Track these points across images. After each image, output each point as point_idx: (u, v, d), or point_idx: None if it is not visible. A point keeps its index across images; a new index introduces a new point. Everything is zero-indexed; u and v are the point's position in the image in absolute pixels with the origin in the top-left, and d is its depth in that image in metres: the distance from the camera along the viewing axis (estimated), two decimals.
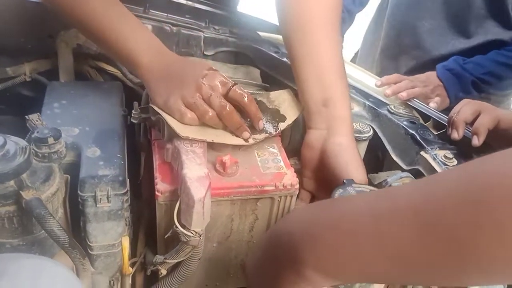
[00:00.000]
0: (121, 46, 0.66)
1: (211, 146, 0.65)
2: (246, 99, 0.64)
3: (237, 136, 0.65)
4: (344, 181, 0.57)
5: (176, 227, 0.56)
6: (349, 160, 0.63)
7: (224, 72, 0.85)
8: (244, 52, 0.90)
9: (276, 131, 0.68)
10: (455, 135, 0.69)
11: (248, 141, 0.65)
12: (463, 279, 0.33)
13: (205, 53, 0.88)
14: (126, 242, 0.55)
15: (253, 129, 0.66)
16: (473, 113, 0.69)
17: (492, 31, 1.11)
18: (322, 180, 0.68)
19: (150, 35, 0.69)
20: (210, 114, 0.62)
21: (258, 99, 0.71)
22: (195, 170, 0.56)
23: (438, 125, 0.81)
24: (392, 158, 0.72)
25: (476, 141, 0.67)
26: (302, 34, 0.69)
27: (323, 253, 0.37)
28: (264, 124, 0.67)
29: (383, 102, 0.82)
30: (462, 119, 0.69)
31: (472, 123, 0.69)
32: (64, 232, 0.52)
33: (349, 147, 0.65)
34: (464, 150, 0.68)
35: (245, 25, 0.94)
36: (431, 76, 1.06)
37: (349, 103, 0.68)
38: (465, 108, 0.70)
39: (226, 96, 0.63)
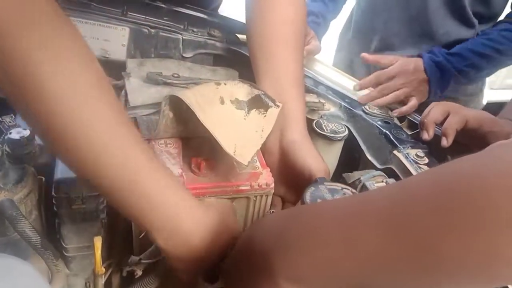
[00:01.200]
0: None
1: (188, 145, 0.65)
2: None
3: None
4: (317, 179, 0.57)
5: None
6: (306, 154, 0.65)
7: (203, 74, 0.85)
8: (223, 54, 0.91)
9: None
10: (426, 136, 0.72)
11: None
12: (432, 285, 0.34)
13: (183, 55, 0.89)
14: (98, 243, 0.55)
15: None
16: (443, 114, 0.72)
17: (455, 31, 1.12)
18: (288, 182, 0.69)
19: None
20: None
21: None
22: None
23: (412, 125, 0.83)
24: (367, 158, 0.73)
25: (445, 142, 0.70)
26: (263, 48, 0.72)
27: (295, 261, 0.38)
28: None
29: (359, 102, 0.83)
30: (432, 121, 0.72)
31: (442, 124, 0.71)
32: (36, 233, 0.52)
33: (304, 141, 0.67)
34: (436, 149, 0.70)
35: (224, 27, 0.95)
36: (418, 68, 1.00)
37: (303, 107, 0.70)
38: (435, 109, 0.73)
39: None
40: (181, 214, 0.49)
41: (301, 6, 0.77)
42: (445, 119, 0.72)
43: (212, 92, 0.61)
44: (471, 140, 0.71)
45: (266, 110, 0.65)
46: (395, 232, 0.33)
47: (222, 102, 0.61)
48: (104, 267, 0.66)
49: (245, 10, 0.79)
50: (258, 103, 0.65)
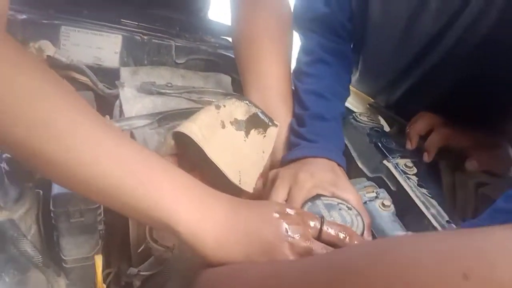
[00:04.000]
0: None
1: (183, 160, 0.66)
2: (343, 235, 0.51)
3: None
4: (316, 194, 0.58)
5: (148, 242, 0.57)
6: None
7: (195, 81, 0.86)
8: (215, 59, 0.92)
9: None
10: (409, 145, 0.74)
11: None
12: None
13: (176, 61, 0.89)
14: (99, 261, 0.56)
15: None
16: (426, 127, 0.73)
17: None
18: None
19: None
20: None
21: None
22: None
23: (402, 131, 0.85)
24: (358, 166, 0.75)
25: (426, 158, 0.71)
26: (250, 62, 0.73)
27: None
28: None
29: (349, 109, 0.85)
30: (416, 132, 0.73)
31: (425, 135, 0.73)
32: (37, 252, 0.53)
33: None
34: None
35: (216, 32, 0.95)
36: None
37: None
38: (420, 122, 0.74)
39: (319, 239, 0.50)
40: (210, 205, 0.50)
41: (286, 16, 0.77)
42: (428, 132, 0.73)
43: (214, 118, 0.62)
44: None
45: (265, 130, 0.67)
46: None
47: (223, 126, 0.62)
48: (103, 277, 0.68)
49: (230, 20, 0.80)
50: (256, 122, 0.66)
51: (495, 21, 0.61)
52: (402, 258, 0.33)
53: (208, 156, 0.58)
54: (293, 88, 0.76)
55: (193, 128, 0.58)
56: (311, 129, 0.66)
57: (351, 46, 0.83)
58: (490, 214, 0.48)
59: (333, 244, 0.50)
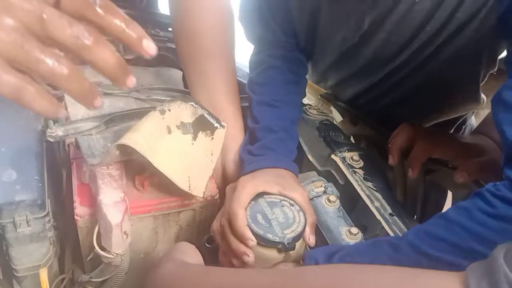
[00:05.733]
0: None
1: (130, 163, 0.66)
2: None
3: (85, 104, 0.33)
4: (257, 193, 0.59)
5: (97, 250, 0.57)
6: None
7: (145, 77, 0.85)
8: (165, 54, 0.90)
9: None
10: (391, 161, 0.73)
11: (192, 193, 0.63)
12: None
13: (124, 57, 0.86)
14: (44, 274, 0.56)
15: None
16: (407, 140, 0.72)
17: None
18: None
19: None
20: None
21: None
22: (111, 195, 0.57)
23: (354, 120, 0.86)
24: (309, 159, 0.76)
25: (411, 174, 0.71)
26: (193, 60, 0.72)
27: None
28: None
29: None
30: (398, 147, 0.72)
31: (406, 149, 0.72)
32: None
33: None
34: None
35: (165, 25, 0.93)
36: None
37: (240, 125, 0.72)
38: (401, 135, 0.73)
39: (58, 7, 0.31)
40: None
41: (227, 11, 0.75)
42: (410, 144, 0.72)
43: (159, 125, 0.61)
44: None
45: (213, 132, 0.67)
46: None
47: (169, 131, 0.62)
48: (57, 283, 0.68)
49: (169, 9, 0.76)
50: (203, 124, 0.66)
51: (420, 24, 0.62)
52: None
53: (155, 166, 0.58)
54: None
55: (137, 139, 0.57)
56: (260, 144, 0.65)
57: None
58: (437, 221, 0.49)
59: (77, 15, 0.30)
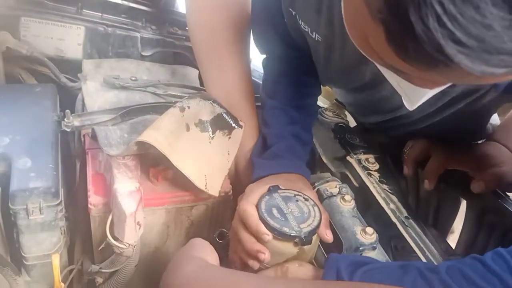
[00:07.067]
0: None
1: (145, 155, 0.65)
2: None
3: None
4: (270, 187, 0.58)
5: (109, 239, 0.57)
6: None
7: (162, 74, 0.85)
8: (182, 52, 0.91)
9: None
10: (406, 172, 0.72)
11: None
12: None
13: (142, 53, 0.88)
14: (56, 260, 0.55)
15: None
16: (422, 153, 0.72)
17: None
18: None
19: None
20: None
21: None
22: (126, 185, 0.57)
23: (367, 127, 0.86)
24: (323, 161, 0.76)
25: (427, 186, 0.71)
26: (210, 56, 0.72)
27: None
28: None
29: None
30: (413, 158, 0.72)
31: (422, 161, 0.71)
32: None
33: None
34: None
35: (183, 24, 0.94)
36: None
37: (255, 124, 0.72)
38: (416, 147, 0.72)
39: None
40: None
41: (243, 7, 0.74)
42: (425, 157, 0.71)
43: (179, 122, 0.62)
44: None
45: (230, 132, 0.67)
46: None
47: (188, 128, 0.62)
48: (66, 274, 0.67)
49: (185, 6, 0.76)
50: (221, 123, 0.66)
51: None
52: None
53: (174, 164, 0.58)
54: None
55: (158, 137, 0.57)
56: (270, 151, 0.65)
57: None
58: (474, 263, 0.45)
59: None
